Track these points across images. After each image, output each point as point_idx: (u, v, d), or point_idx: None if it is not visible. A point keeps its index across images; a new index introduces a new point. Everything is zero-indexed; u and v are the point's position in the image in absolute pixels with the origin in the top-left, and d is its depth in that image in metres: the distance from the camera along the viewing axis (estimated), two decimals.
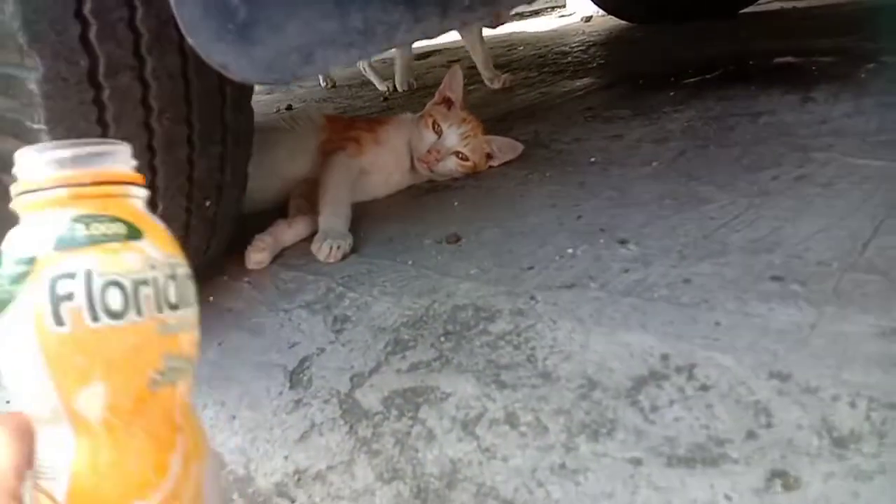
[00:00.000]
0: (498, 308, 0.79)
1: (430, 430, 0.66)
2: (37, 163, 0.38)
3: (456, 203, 1.14)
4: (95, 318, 0.36)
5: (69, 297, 0.35)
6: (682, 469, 0.54)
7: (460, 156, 1.20)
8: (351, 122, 1.25)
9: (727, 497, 0.51)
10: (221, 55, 0.49)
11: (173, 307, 0.39)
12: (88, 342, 0.36)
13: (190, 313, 0.40)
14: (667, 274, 0.78)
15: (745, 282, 0.73)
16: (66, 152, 0.38)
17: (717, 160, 1.09)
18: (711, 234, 0.85)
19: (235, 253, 1.02)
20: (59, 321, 0.35)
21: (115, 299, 0.36)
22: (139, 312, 0.37)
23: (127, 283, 0.37)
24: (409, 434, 0.67)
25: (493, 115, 1.69)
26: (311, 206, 1.09)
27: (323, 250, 0.97)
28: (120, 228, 0.38)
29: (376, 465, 0.65)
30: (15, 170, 0.38)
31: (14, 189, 0.37)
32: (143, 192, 0.40)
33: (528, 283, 0.83)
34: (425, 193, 1.22)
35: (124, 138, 0.67)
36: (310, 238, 1.03)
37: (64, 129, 0.64)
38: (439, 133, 1.19)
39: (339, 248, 0.97)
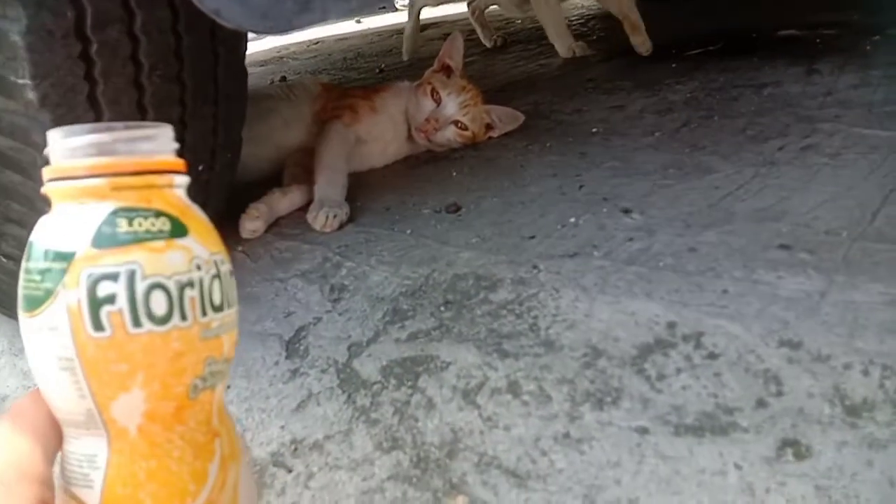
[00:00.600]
0: (499, 277, 0.78)
1: (430, 400, 0.65)
2: (72, 146, 0.35)
3: (454, 173, 1.11)
4: (138, 324, 0.33)
5: (110, 300, 0.33)
6: (690, 438, 0.53)
7: (459, 125, 1.17)
8: (347, 90, 1.22)
9: (737, 466, 0.50)
10: (214, 1, 0.46)
11: (217, 309, 0.36)
12: (129, 348, 0.33)
13: (233, 313, 0.37)
14: (672, 243, 0.76)
15: (753, 250, 0.71)
16: (106, 136, 0.34)
17: (722, 130, 1.07)
18: (717, 204, 0.83)
19: (230, 221, 0.99)
20: (99, 326, 0.33)
21: (159, 303, 0.33)
22: (183, 317, 0.34)
23: (172, 286, 0.34)
24: (408, 403, 0.65)
25: (493, 86, 1.66)
26: (306, 175, 1.07)
27: (319, 219, 0.95)
28: (164, 224, 0.35)
29: (375, 434, 0.63)
30: (47, 150, 0.35)
31: (47, 173, 0.35)
32: (186, 180, 0.36)
33: (530, 252, 0.81)
34: (423, 164, 1.20)
35: (113, 95, 0.66)
36: (305, 207, 1.01)
37: (49, 84, 0.61)
38: (438, 101, 1.16)
39: (335, 216, 0.95)
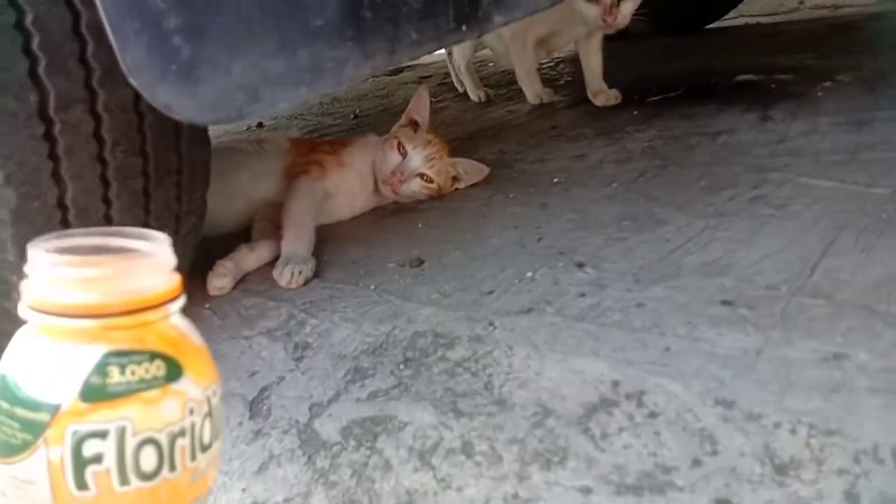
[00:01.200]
0: (457, 334, 0.80)
1: (387, 461, 0.66)
2: (59, 276, 0.31)
3: (420, 225, 1.14)
4: (125, 482, 0.31)
5: (97, 459, 0.30)
6: (630, 497, 0.55)
7: (425, 178, 1.21)
8: (315, 144, 1.26)
9: None
10: (165, 95, 0.49)
11: (206, 448, 0.34)
12: None
13: (219, 445, 0.36)
14: (621, 298, 0.79)
15: (696, 306, 0.74)
16: (93, 271, 0.31)
17: (676, 181, 1.11)
18: (666, 257, 0.86)
19: (197, 278, 1.01)
20: (83, 486, 0.30)
21: (149, 459, 0.31)
22: (173, 468, 0.32)
23: (164, 440, 0.32)
24: (366, 465, 0.67)
25: (462, 134, 1.70)
26: (275, 229, 1.09)
27: (284, 276, 0.97)
28: (159, 369, 0.32)
29: (333, 496, 0.65)
30: (28, 268, 0.32)
31: (31, 301, 0.32)
32: (182, 302, 0.34)
33: (488, 308, 0.84)
34: (390, 215, 1.23)
35: (76, 171, 0.68)
36: (273, 263, 1.03)
37: (14, 163, 0.64)
38: (404, 155, 1.20)
39: (300, 273, 0.97)
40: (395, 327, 0.84)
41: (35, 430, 0.30)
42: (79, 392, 0.30)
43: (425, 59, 3.14)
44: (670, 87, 1.71)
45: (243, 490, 0.69)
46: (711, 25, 2.67)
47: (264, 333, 0.90)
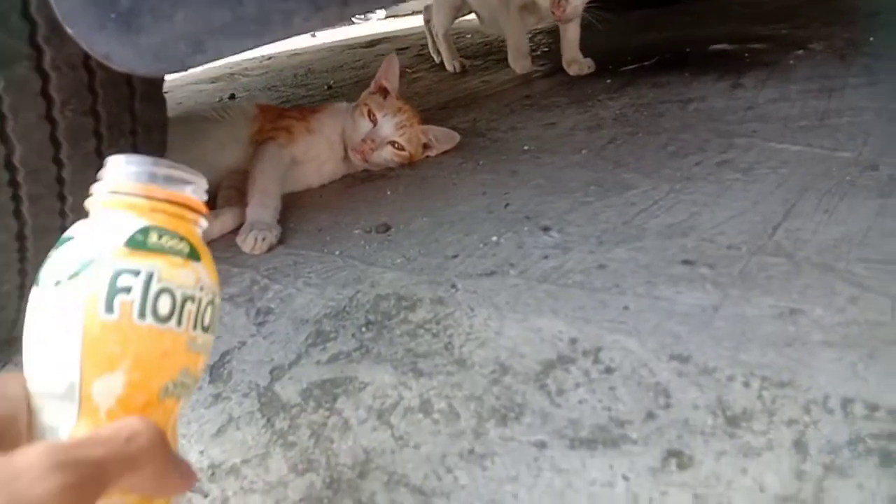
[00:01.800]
0: (419, 297, 0.80)
1: (346, 421, 0.66)
2: (128, 170, 0.41)
3: (389, 192, 1.13)
4: (143, 316, 0.39)
5: (126, 290, 0.39)
6: (584, 451, 0.55)
7: (395, 145, 1.20)
8: (283, 111, 1.24)
9: (625, 477, 0.52)
10: (103, 45, 0.48)
11: (205, 329, 0.42)
12: (129, 335, 0.39)
13: (211, 340, 0.43)
14: (583, 260, 0.79)
15: (657, 266, 0.74)
16: (159, 170, 0.42)
17: (645, 147, 1.11)
18: (631, 220, 0.86)
19: None
20: (110, 309, 0.38)
21: (164, 305, 0.39)
22: (179, 323, 0.40)
23: (178, 295, 0.40)
24: (325, 425, 0.67)
25: (435, 104, 1.69)
26: (240, 197, 1.08)
27: (248, 242, 0.96)
28: (184, 247, 0.41)
29: (291, 457, 0.65)
30: (103, 171, 0.41)
31: (98, 187, 0.41)
32: (206, 224, 0.44)
33: (451, 271, 0.83)
34: (359, 183, 1.22)
35: (23, 131, 0.66)
36: (237, 230, 1.02)
37: None
38: (374, 122, 1.18)
39: (264, 239, 0.96)
40: (358, 291, 0.84)
41: (85, 262, 0.38)
42: (125, 241, 0.39)
43: (402, 29, 3.10)
44: (644, 56, 1.70)
45: (200, 452, 0.68)
46: None
47: (227, 299, 0.89)
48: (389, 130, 1.18)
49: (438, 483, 0.57)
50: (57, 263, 0.40)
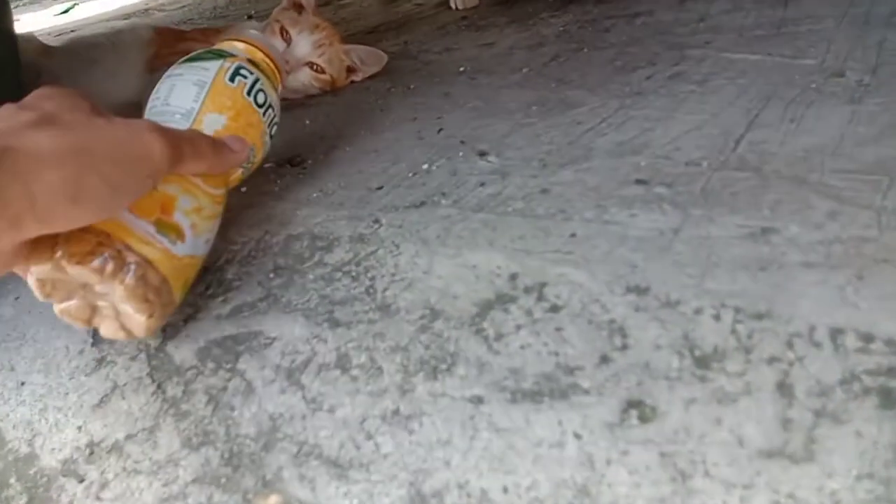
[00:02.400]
0: (337, 235, 0.68)
1: (249, 383, 0.56)
2: (254, 34, 0.74)
3: (307, 122, 1.01)
4: (248, 94, 0.67)
5: (244, 75, 0.67)
6: (527, 405, 0.46)
7: (314, 67, 1.06)
8: (183, 33, 1.08)
9: (576, 435, 0.43)
10: None
11: (270, 136, 0.72)
12: (236, 99, 0.66)
13: (266, 148, 0.72)
14: (524, 185, 0.68)
15: (608, 188, 0.65)
16: (272, 41, 0.90)
17: (590, 63, 1.00)
18: (577, 140, 0.76)
19: None
20: (231, 80, 0.66)
21: (261, 96, 0.68)
22: (264, 114, 0.69)
23: (267, 99, 0.69)
24: (224, 390, 0.56)
25: (363, 28, 1.54)
26: None
27: None
28: (273, 81, 0.72)
29: (184, 429, 0.54)
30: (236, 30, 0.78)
31: (235, 34, 0.74)
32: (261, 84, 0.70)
33: (375, 204, 0.72)
34: None
35: None
36: None
37: None
38: (288, 41, 1.04)
39: None
40: (266, 232, 0.72)
41: (221, 56, 0.67)
42: (246, 53, 0.71)
43: None
44: None
45: (79, 428, 0.57)
46: None
47: None
48: (306, 50, 1.04)
49: (357, 452, 0.48)
50: (198, 55, 0.68)
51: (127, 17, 2.60)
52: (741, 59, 0.91)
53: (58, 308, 0.56)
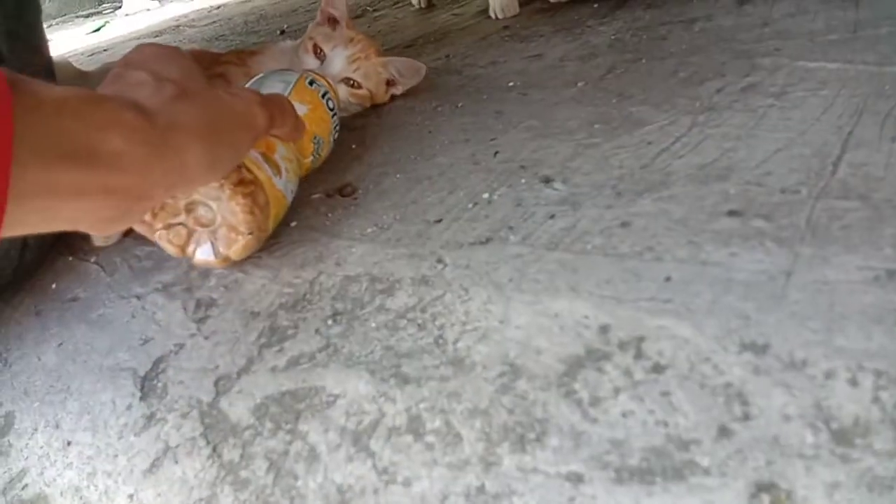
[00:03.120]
0: (398, 277, 0.63)
1: (313, 448, 0.51)
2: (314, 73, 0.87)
3: (353, 146, 0.96)
4: (322, 97, 0.82)
5: (319, 85, 0.83)
6: (637, 486, 0.40)
7: (351, 83, 1.01)
8: (218, 56, 1.04)
9: None
10: None
11: (333, 139, 0.86)
12: (314, 99, 0.81)
13: (328, 149, 0.85)
14: (600, 218, 0.63)
15: (697, 221, 0.58)
16: (311, 61, 1.01)
17: (651, 75, 0.94)
18: (651, 164, 0.70)
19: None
20: (311, 84, 0.81)
21: (330, 103, 0.83)
22: (332, 117, 0.84)
23: (332, 106, 0.84)
24: (286, 454, 0.51)
25: (401, 41, 1.49)
26: None
27: None
28: (335, 99, 0.86)
29: (244, 500, 0.49)
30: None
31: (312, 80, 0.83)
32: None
33: (435, 240, 0.67)
34: None
35: None
36: None
37: None
38: (322, 58, 0.99)
39: None
40: (320, 273, 0.67)
41: (296, 73, 0.81)
42: (317, 74, 0.85)
43: None
44: None
45: (130, 497, 0.53)
46: None
47: (160, 290, 0.72)
48: (341, 65, 0.99)
49: None
50: (280, 71, 0.82)
51: (157, 34, 2.59)
52: (819, 68, 0.84)
53: (157, 233, 0.66)
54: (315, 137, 0.78)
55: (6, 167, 0.33)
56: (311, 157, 0.79)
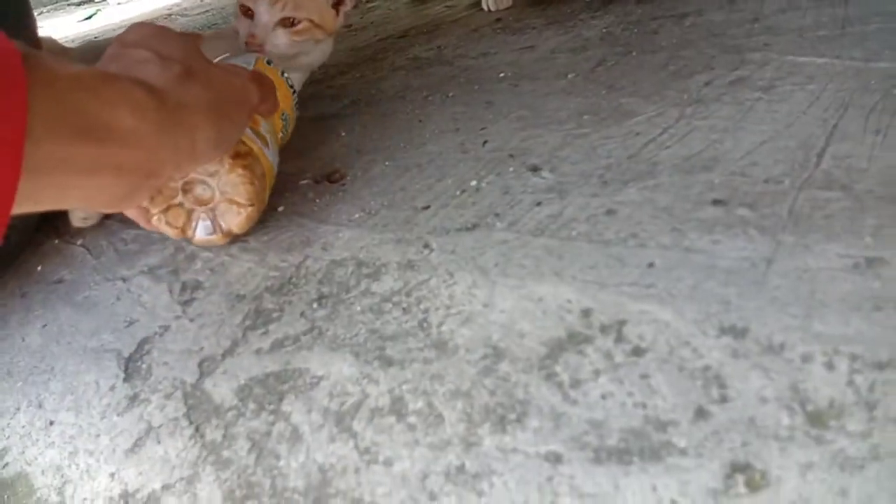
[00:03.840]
0: (384, 261, 0.63)
1: (296, 428, 0.51)
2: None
3: (343, 133, 0.96)
4: (282, 74, 0.82)
5: (277, 65, 0.83)
6: (615, 466, 0.41)
7: (288, 22, 0.93)
8: None
9: (674, 503, 0.38)
10: None
11: (293, 113, 0.86)
12: (275, 75, 0.80)
13: (291, 127, 0.86)
14: (586, 206, 0.63)
15: (682, 209, 0.59)
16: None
17: (641, 68, 0.95)
18: (638, 154, 0.70)
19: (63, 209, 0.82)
20: (269, 64, 0.82)
21: (289, 81, 0.84)
22: (294, 94, 0.85)
23: (294, 84, 0.85)
24: (268, 434, 0.51)
25: (393, 32, 1.49)
26: None
27: None
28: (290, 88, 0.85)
29: (226, 479, 0.49)
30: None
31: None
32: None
33: (422, 226, 0.67)
34: (307, 123, 1.04)
35: None
36: None
37: None
38: (251, 15, 0.95)
39: None
40: (307, 257, 0.67)
41: (251, 61, 0.80)
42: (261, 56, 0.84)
43: None
44: None
45: (112, 476, 0.53)
46: None
47: (146, 272, 0.72)
48: (268, 12, 0.92)
49: None
50: (238, 56, 0.81)
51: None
52: (807, 63, 0.84)
53: (154, 218, 0.67)
54: (283, 114, 0.80)
55: (20, 141, 0.33)
56: (281, 133, 0.80)
